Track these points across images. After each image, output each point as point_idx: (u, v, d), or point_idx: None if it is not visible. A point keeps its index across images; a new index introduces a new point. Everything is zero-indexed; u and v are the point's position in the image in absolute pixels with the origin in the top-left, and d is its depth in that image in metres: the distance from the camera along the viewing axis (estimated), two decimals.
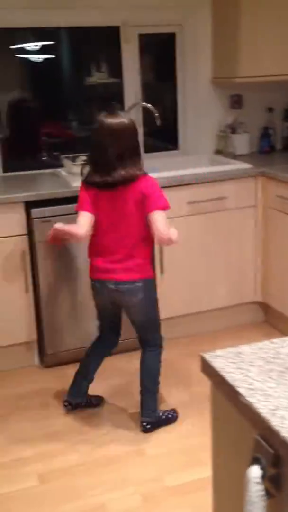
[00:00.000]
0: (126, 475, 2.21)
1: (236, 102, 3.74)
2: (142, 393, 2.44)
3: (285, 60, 3.31)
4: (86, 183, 2.33)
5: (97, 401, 2.65)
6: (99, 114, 2.30)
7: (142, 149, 3.55)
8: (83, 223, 2.31)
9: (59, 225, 2.43)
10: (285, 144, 3.83)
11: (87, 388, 2.59)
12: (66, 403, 2.61)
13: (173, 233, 2.26)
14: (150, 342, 2.47)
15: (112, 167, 2.23)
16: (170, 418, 2.51)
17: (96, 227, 2.32)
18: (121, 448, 2.37)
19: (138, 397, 2.49)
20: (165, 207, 2.29)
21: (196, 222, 3.12)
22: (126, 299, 2.35)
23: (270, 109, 3.79)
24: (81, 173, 2.38)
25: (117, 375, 2.89)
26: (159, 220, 2.24)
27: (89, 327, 3.03)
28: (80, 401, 2.60)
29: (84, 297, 2.99)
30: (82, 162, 2.44)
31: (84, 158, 3.19)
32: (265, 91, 3.72)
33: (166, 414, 2.52)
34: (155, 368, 2.47)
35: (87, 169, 2.34)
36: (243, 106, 3.74)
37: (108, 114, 2.27)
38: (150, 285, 2.40)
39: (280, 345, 1.15)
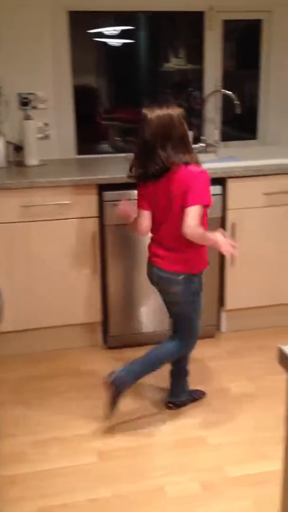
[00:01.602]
0: (186, 461, 2.20)
1: None
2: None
3: None
4: (134, 178, 2.31)
5: (199, 395, 2.62)
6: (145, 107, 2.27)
7: (216, 138, 3.52)
8: (140, 223, 2.34)
9: (125, 205, 2.49)
10: None
11: (187, 384, 2.56)
12: (170, 405, 2.54)
13: (219, 237, 2.21)
14: (178, 334, 2.44)
15: (151, 158, 2.19)
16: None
17: (153, 219, 2.33)
18: (182, 435, 2.36)
19: (200, 387, 2.45)
20: (204, 203, 2.20)
21: (272, 214, 3.04)
22: (165, 287, 2.35)
23: None
24: (130, 170, 2.34)
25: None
26: (189, 214, 2.15)
27: (153, 313, 3.04)
28: (184, 399, 2.56)
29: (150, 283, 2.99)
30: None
31: None
32: None
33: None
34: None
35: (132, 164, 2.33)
36: None
37: (147, 107, 2.25)
38: (191, 280, 2.33)
39: None
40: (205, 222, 2.26)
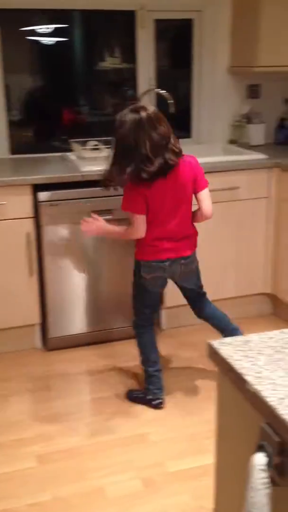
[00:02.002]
0: (127, 460, 2.21)
1: (254, 92, 3.69)
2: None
3: None
4: (136, 182, 2.27)
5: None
6: (121, 111, 2.23)
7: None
8: (142, 227, 2.34)
9: (102, 224, 2.48)
10: None
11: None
12: (162, 402, 2.55)
13: None
14: (202, 294, 2.69)
15: (151, 158, 2.19)
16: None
17: (153, 218, 2.34)
18: (123, 433, 2.38)
19: (136, 385, 2.46)
20: (208, 184, 2.45)
21: None
22: (188, 269, 2.51)
23: (287, 100, 3.74)
24: (121, 177, 2.28)
25: (124, 360, 2.90)
26: (207, 197, 2.42)
27: (92, 313, 3.04)
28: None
29: (89, 282, 2.99)
30: (111, 164, 2.30)
31: (94, 142, 3.21)
32: (283, 82, 3.67)
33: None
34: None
35: (128, 170, 2.23)
36: (260, 96, 3.70)
37: (129, 109, 2.21)
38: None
39: None
40: None
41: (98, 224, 2.49)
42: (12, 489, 2.07)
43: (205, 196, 2.40)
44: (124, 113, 2.21)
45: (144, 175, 2.21)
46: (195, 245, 2.52)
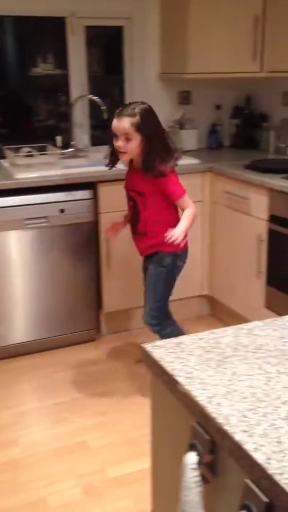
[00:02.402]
0: (67, 468, 2.20)
1: (185, 98, 3.77)
2: None
3: (233, 58, 3.35)
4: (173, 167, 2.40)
5: None
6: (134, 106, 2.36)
7: (85, 142, 3.55)
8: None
9: (182, 227, 2.42)
10: (232, 141, 3.89)
11: None
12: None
13: None
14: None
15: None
16: None
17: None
18: (62, 442, 2.36)
19: (77, 392, 2.43)
20: None
21: None
22: None
23: (218, 106, 3.84)
24: (173, 164, 2.40)
25: (62, 368, 2.87)
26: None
27: (25, 321, 3.01)
28: None
29: (27, 291, 2.95)
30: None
31: (27, 149, 3.17)
32: (214, 88, 3.77)
33: None
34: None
35: (173, 159, 2.39)
36: (191, 102, 3.78)
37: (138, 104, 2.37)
38: None
39: (220, 335, 1.16)
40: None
41: (181, 230, 2.41)
42: None
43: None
44: (139, 106, 2.34)
45: (178, 161, 2.38)
46: None
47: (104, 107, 3.22)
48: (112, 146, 2.38)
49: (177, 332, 2.54)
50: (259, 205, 2.90)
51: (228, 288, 3.24)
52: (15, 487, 2.10)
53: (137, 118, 2.28)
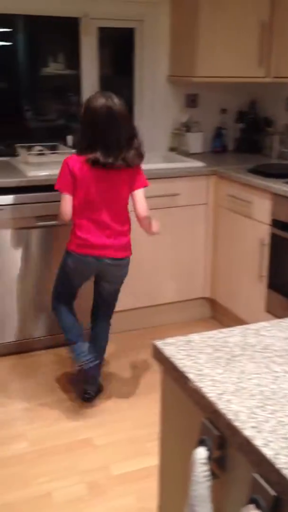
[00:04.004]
0: (73, 464, 2.23)
1: (192, 101, 3.80)
2: (91, 361, 2.52)
3: (240, 62, 3.38)
4: (87, 161, 2.35)
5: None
6: (98, 93, 2.37)
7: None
8: (69, 207, 2.41)
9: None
10: (237, 145, 3.92)
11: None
12: (89, 392, 2.65)
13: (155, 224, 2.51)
14: (110, 315, 2.68)
15: (121, 149, 2.33)
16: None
17: (84, 204, 2.40)
18: (67, 438, 2.39)
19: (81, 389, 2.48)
20: (147, 185, 2.51)
21: None
22: (116, 273, 2.53)
23: (224, 110, 3.87)
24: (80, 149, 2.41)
25: (69, 365, 2.90)
26: (144, 198, 2.48)
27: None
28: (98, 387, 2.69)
29: (29, 289, 2.98)
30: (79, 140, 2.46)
31: (39, 148, 3.21)
32: (220, 92, 3.80)
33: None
34: (107, 340, 2.65)
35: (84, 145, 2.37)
36: (198, 105, 3.81)
37: (108, 96, 2.34)
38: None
39: (228, 335, 1.19)
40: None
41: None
42: None
43: (140, 197, 2.54)
44: (106, 97, 2.35)
45: (102, 159, 2.36)
46: (129, 250, 2.58)
47: None
48: None
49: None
50: (262, 209, 2.93)
51: (230, 291, 3.28)
52: (21, 481, 2.14)
53: None
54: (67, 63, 3.70)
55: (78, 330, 2.60)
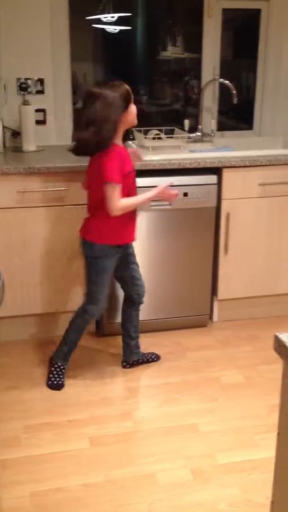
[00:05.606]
0: (177, 448, 2.23)
1: None
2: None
3: None
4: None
5: (152, 357, 2.84)
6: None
7: (212, 127, 3.53)
8: None
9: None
10: None
11: (136, 345, 2.77)
12: (124, 363, 2.79)
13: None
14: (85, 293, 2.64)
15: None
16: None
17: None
18: (173, 422, 2.39)
19: (186, 375, 2.46)
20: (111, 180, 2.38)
21: (266, 204, 3.06)
22: None
23: None
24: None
25: (172, 350, 2.91)
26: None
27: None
28: (136, 359, 2.79)
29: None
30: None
31: (156, 132, 3.22)
32: None
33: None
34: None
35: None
36: None
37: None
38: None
39: None
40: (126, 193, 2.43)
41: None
42: (65, 468, 2.12)
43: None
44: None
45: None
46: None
47: (235, 92, 3.17)
48: None
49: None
50: None
51: None
52: (127, 459, 2.17)
53: None
54: (186, 46, 3.65)
55: None
